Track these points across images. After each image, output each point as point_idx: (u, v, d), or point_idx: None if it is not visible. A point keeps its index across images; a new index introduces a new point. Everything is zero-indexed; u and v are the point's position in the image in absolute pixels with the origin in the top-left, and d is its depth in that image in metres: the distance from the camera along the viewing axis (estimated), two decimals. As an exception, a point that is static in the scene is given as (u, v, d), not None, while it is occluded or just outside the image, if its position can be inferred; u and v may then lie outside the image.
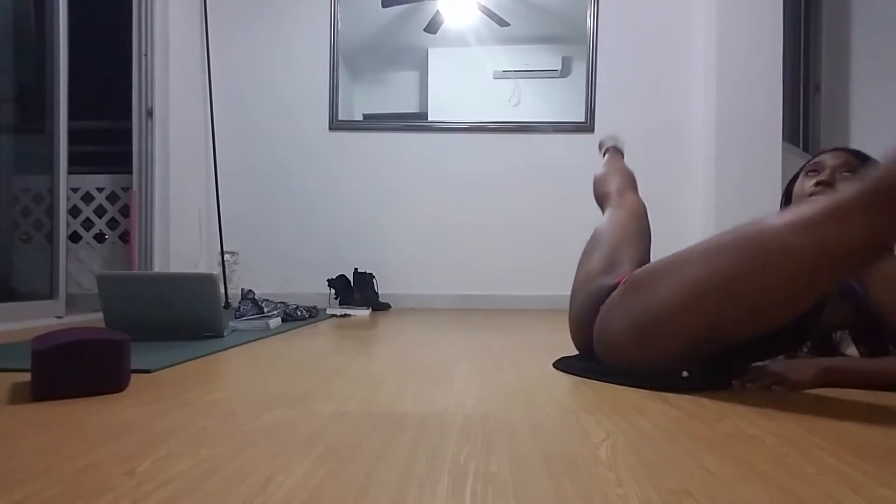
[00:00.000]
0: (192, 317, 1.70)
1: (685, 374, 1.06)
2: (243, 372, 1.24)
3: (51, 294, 2.49)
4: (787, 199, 1.42)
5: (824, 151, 1.34)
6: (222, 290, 3.24)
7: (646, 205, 1.59)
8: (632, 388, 1.08)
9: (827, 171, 1.27)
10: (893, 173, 0.80)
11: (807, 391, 1.08)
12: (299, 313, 2.51)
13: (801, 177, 1.35)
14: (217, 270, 3.32)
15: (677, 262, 1.06)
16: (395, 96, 3.60)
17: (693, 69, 3.41)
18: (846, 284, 1.18)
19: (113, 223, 2.98)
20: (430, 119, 3.52)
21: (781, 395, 1.04)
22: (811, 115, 4.18)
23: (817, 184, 1.27)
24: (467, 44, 3.53)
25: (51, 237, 2.54)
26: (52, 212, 2.54)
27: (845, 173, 1.26)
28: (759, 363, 1.16)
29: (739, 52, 3.25)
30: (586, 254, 1.47)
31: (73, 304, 2.61)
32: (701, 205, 3.38)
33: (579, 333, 1.34)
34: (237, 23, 3.49)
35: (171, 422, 0.81)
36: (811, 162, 1.34)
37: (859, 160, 1.28)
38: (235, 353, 1.51)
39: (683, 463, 0.66)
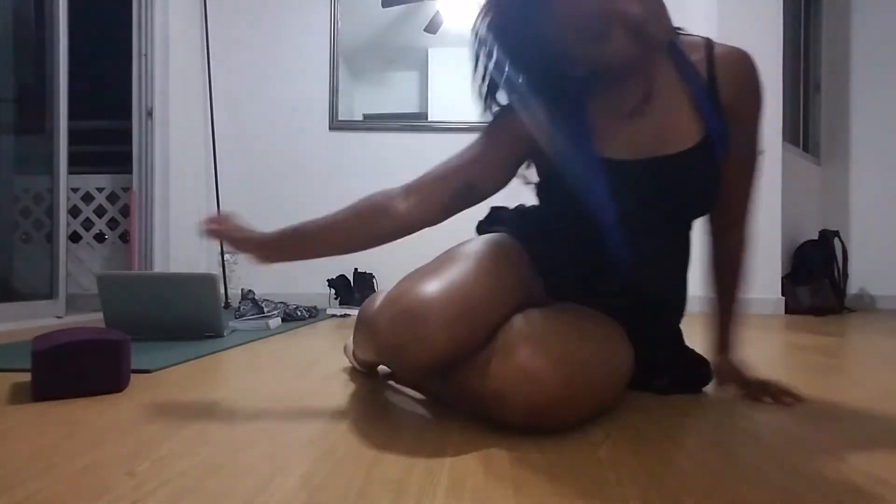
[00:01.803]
0: (192, 317, 1.69)
1: (655, 382, 1.02)
2: (243, 372, 1.24)
3: (51, 294, 2.50)
4: None
5: None
6: (222, 290, 3.24)
7: None
8: (632, 388, 1.07)
9: None
10: None
11: (808, 390, 1.07)
12: (299, 313, 2.51)
13: None
14: (217, 271, 3.31)
15: None
16: (395, 96, 3.61)
17: (693, 69, 3.41)
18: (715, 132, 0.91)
19: (113, 223, 2.99)
20: (430, 119, 3.52)
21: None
22: (811, 115, 4.18)
23: None
24: (467, 44, 3.52)
25: (51, 237, 2.54)
26: (52, 212, 2.54)
27: None
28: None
29: (739, 52, 3.25)
30: None
31: (73, 304, 2.61)
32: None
33: None
34: (237, 23, 3.49)
35: (171, 422, 0.81)
36: None
37: None
38: (235, 353, 1.51)
39: (683, 463, 0.66)
